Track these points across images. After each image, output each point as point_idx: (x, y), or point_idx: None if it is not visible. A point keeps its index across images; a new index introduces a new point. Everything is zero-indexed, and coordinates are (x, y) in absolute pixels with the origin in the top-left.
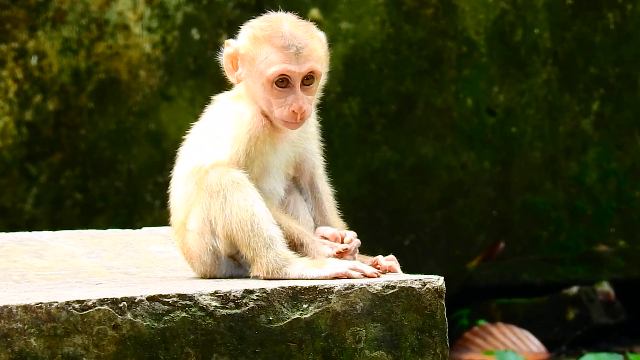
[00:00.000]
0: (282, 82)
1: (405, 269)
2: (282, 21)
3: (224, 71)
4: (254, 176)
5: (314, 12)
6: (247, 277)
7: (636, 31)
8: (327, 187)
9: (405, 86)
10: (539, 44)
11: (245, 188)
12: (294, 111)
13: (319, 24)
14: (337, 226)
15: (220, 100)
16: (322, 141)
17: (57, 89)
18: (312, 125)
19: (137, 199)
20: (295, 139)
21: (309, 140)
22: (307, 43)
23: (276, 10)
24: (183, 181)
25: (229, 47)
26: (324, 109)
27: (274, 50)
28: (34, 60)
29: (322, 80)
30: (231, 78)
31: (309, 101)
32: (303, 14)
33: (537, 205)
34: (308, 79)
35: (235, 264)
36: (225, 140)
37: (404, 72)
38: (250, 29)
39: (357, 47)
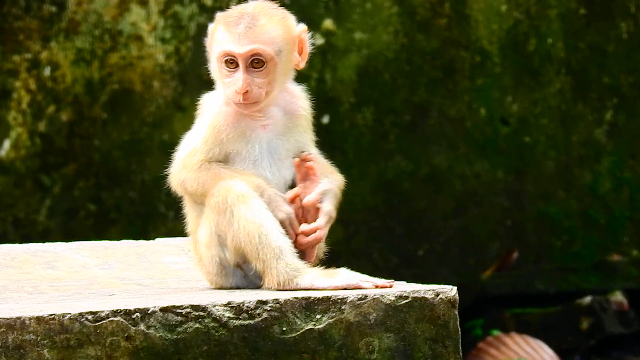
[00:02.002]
0: (231, 62)
1: (419, 279)
2: (249, 4)
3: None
4: (222, 160)
5: (328, 23)
6: (258, 287)
7: None
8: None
9: (419, 96)
10: (552, 53)
11: (251, 200)
12: (236, 91)
13: (333, 34)
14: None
15: (202, 97)
16: (335, 150)
17: (71, 99)
18: (301, 118)
19: (151, 210)
20: (283, 130)
21: (299, 132)
22: (259, 24)
23: None
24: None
25: (208, 33)
26: (338, 119)
27: (225, 29)
28: (47, 71)
29: (283, 67)
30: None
31: (258, 84)
32: (317, 24)
33: (551, 214)
34: (257, 62)
35: (242, 274)
36: (195, 132)
37: (417, 81)
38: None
39: (370, 57)
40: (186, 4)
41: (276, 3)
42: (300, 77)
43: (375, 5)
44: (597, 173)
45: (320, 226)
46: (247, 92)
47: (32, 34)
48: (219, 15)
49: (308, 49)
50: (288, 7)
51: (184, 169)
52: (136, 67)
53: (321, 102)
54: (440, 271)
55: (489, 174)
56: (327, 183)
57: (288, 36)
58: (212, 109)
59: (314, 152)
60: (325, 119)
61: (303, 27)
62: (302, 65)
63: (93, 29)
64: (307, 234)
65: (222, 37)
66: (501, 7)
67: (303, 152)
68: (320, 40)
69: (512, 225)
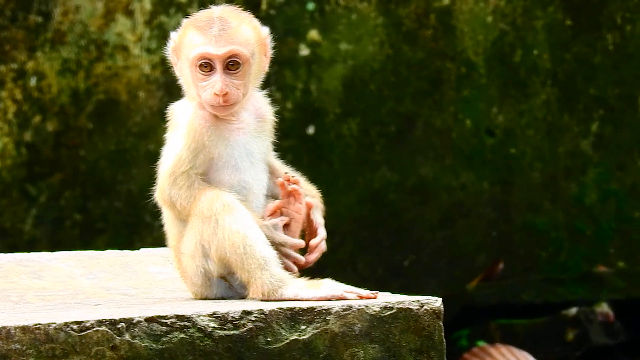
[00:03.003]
0: (206, 66)
1: (406, 289)
2: (216, 9)
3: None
4: (207, 170)
5: (313, 33)
6: (242, 297)
7: (636, 52)
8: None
9: (405, 107)
10: (539, 64)
11: (237, 210)
12: (215, 93)
13: (318, 45)
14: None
15: (171, 107)
16: (322, 161)
17: (57, 109)
18: (268, 122)
19: (137, 220)
20: (255, 133)
21: (267, 136)
22: (232, 26)
23: (274, 32)
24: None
25: (171, 40)
26: (324, 130)
27: (197, 32)
28: (33, 81)
29: (256, 69)
30: (176, 72)
31: (236, 85)
32: (302, 35)
33: (537, 225)
34: (233, 64)
35: (227, 285)
36: (175, 142)
37: (403, 92)
38: (186, 18)
39: (356, 67)
40: (172, 14)
41: (246, 10)
42: (286, 88)
43: (360, 16)
44: (584, 184)
45: (324, 237)
46: (226, 93)
47: (18, 44)
48: (186, 20)
49: (270, 53)
50: (274, 18)
51: (174, 184)
52: (122, 78)
53: (307, 112)
54: (427, 282)
55: (475, 185)
56: (314, 201)
57: (258, 38)
58: (187, 115)
59: (275, 162)
60: (311, 130)
61: (267, 30)
62: (266, 68)
63: (79, 39)
64: (313, 249)
65: (196, 41)
66: (487, 19)
67: (286, 172)
68: (305, 51)
69: (499, 236)
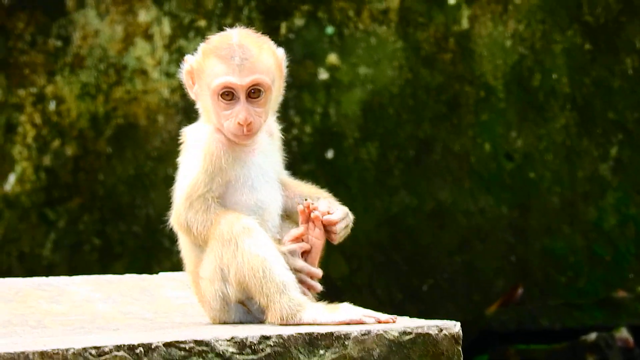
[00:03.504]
0: (228, 95)
1: (424, 314)
2: (233, 33)
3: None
4: (223, 192)
5: (332, 57)
6: (260, 322)
7: None
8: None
9: (423, 131)
10: (557, 88)
11: (257, 234)
12: (239, 123)
13: (337, 69)
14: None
15: (185, 131)
16: (340, 185)
17: (76, 133)
18: (277, 139)
19: (156, 244)
20: (267, 152)
21: (278, 152)
22: (254, 54)
23: (293, 56)
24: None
25: (186, 63)
26: (342, 154)
27: (219, 61)
28: (52, 105)
29: (276, 94)
30: (191, 95)
31: (258, 113)
32: (321, 59)
33: (556, 250)
34: (254, 92)
35: (245, 309)
36: (191, 165)
37: (422, 116)
38: (204, 42)
39: (375, 92)
40: (191, 38)
41: (264, 35)
42: (305, 112)
43: (379, 40)
44: (602, 209)
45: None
46: (250, 123)
47: (37, 68)
48: (204, 46)
49: (285, 73)
50: (292, 42)
51: (190, 208)
52: (141, 102)
53: (325, 136)
54: (445, 307)
55: (494, 210)
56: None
57: (277, 63)
58: (204, 139)
59: (286, 177)
60: (330, 154)
61: (283, 51)
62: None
63: (98, 63)
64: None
65: (217, 70)
66: (506, 42)
67: (305, 199)
68: (324, 75)
69: (517, 261)
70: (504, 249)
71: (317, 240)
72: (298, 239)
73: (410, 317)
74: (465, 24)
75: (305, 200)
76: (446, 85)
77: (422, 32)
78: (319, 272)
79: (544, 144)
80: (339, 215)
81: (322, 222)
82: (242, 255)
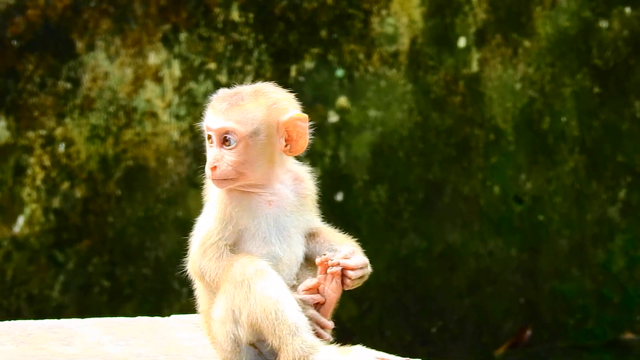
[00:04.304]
0: (209, 138)
1: (433, 356)
2: (253, 85)
3: None
4: (236, 241)
5: (342, 100)
6: None
7: None
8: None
9: (433, 173)
10: (567, 132)
11: (270, 276)
12: (207, 165)
13: (347, 112)
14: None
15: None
16: (350, 228)
17: (85, 176)
18: (307, 197)
19: (165, 286)
20: (290, 208)
21: (306, 211)
22: (240, 104)
23: (303, 98)
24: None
25: None
26: (352, 196)
27: (211, 105)
28: (61, 148)
29: (264, 147)
30: None
31: (228, 161)
32: (331, 102)
33: (565, 292)
34: (226, 140)
35: (256, 351)
36: (207, 213)
37: (431, 159)
38: None
39: (385, 134)
40: (201, 81)
41: (283, 85)
42: (315, 155)
43: (389, 83)
44: (611, 252)
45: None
46: (214, 167)
47: (46, 111)
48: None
49: (302, 136)
50: (302, 84)
51: (203, 256)
52: (150, 144)
53: (335, 179)
54: (454, 348)
55: (503, 252)
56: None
57: (269, 120)
58: (215, 189)
59: (321, 225)
60: (340, 196)
61: (293, 114)
62: (294, 151)
63: (108, 105)
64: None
65: (207, 112)
66: (515, 86)
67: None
68: (334, 118)
69: (526, 303)
70: (513, 291)
71: (332, 293)
72: (312, 290)
73: (421, 359)
74: (475, 67)
75: (324, 254)
76: (456, 128)
77: (432, 75)
78: (330, 324)
79: (553, 186)
80: (356, 262)
81: (339, 273)
82: (254, 297)
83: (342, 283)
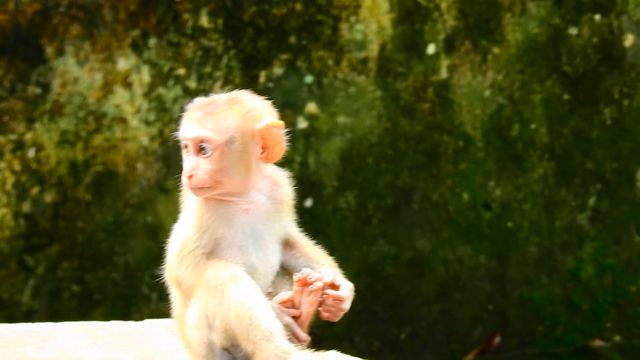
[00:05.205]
0: (186, 147)
1: None
2: (227, 94)
3: None
4: (213, 249)
5: (311, 106)
6: None
7: (633, 126)
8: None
9: (402, 180)
10: (536, 138)
11: (243, 281)
12: (184, 175)
13: (316, 118)
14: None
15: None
16: (319, 234)
17: (55, 181)
18: (284, 203)
19: (135, 291)
20: (267, 215)
21: (283, 217)
22: (215, 112)
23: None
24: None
25: None
26: (321, 203)
27: (187, 114)
28: (31, 153)
29: (240, 155)
30: None
31: (205, 170)
32: (300, 108)
33: (534, 299)
34: (202, 149)
35: (230, 357)
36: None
37: (400, 166)
38: None
39: (354, 141)
40: (170, 86)
41: (253, 91)
42: (284, 161)
43: (358, 89)
44: (580, 259)
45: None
46: (191, 176)
47: (16, 115)
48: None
49: (278, 143)
50: (271, 90)
51: (180, 264)
52: (120, 149)
53: (304, 185)
54: (423, 355)
55: (472, 259)
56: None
57: (244, 128)
58: (190, 197)
59: (297, 235)
60: (309, 203)
61: (269, 122)
62: (270, 158)
63: (77, 110)
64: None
65: (183, 121)
66: (485, 92)
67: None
68: (303, 124)
69: (495, 310)
70: (482, 298)
71: (309, 306)
72: (287, 303)
73: None
74: (444, 73)
75: (302, 272)
76: (425, 135)
77: (401, 82)
78: (307, 338)
79: (522, 193)
80: (346, 292)
81: (321, 292)
82: (228, 302)
83: (329, 316)
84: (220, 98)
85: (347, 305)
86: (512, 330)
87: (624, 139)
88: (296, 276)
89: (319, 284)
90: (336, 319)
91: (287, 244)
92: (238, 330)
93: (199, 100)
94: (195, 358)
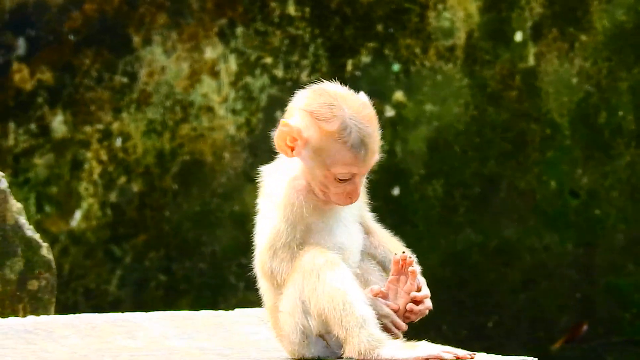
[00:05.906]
0: (347, 177)
1: (489, 350)
2: (344, 109)
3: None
4: (304, 240)
5: (398, 95)
6: (338, 358)
7: None
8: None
9: (489, 168)
10: (623, 126)
11: (339, 268)
12: (350, 198)
13: (403, 106)
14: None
15: (263, 172)
16: (405, 222)
17: (142, 170)
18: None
19: (221, 281)
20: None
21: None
22: (375, 139)
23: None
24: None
25: (287, 127)
26: (408, 191)
27: (344, 150)
28: (118, 142)
29: None
30: (285, 153)
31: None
32: (387, 96)
33: (621, 287)
34: None
35: (325, 344)
36: (271, 213)
37: (487, 154)
38: (312, 114)
39: (441, 129)
40: (257, 75)
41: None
42: None
43: (445, 77)
44: None
45: (428, 294)
46: (358, 195)
47: (103, 105)
48: (321, 125)
49: None
50: (359, 80)
51: (274, 257)
52: (207, 139)
53: (391, 173)
54: (509, 344)
55: (559, 247)
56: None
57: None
58: (283, 188)
59: (370, 219)
60: (396, 191)
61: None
62: None
63: (164, 100)
64: (418, 301)
65: (344, 158)
66: (572, 80)
67: (404, 252)
68: (390, 112)
69: (582, 298)
70: (569, 286)
71: (405, 295)
72: (379, 294)
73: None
74: (531, 61)
75: (403, 252)
76: (512, 123)
77: (488, 70)
78: (404, 326)
79: (609, 181)
80: (427, 290)
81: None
82: (322, 286)
83: (409, 316)
84: (348, 119)
85: (430, 303)
86: (599, 318)
87: None
88: (396, 256)
89: (415, 268)
90: (416, 319)
91: (364, 231)
92: (331, 316)
93: (343, 130)
94: (289, 346)
